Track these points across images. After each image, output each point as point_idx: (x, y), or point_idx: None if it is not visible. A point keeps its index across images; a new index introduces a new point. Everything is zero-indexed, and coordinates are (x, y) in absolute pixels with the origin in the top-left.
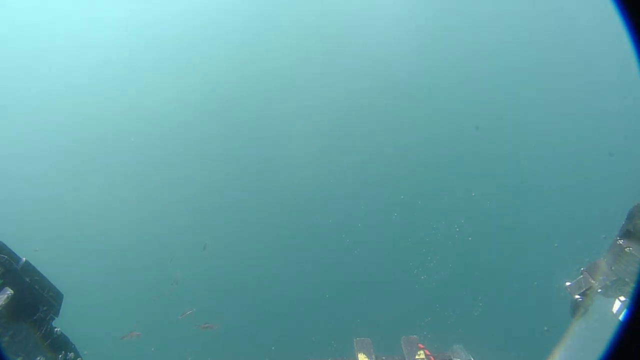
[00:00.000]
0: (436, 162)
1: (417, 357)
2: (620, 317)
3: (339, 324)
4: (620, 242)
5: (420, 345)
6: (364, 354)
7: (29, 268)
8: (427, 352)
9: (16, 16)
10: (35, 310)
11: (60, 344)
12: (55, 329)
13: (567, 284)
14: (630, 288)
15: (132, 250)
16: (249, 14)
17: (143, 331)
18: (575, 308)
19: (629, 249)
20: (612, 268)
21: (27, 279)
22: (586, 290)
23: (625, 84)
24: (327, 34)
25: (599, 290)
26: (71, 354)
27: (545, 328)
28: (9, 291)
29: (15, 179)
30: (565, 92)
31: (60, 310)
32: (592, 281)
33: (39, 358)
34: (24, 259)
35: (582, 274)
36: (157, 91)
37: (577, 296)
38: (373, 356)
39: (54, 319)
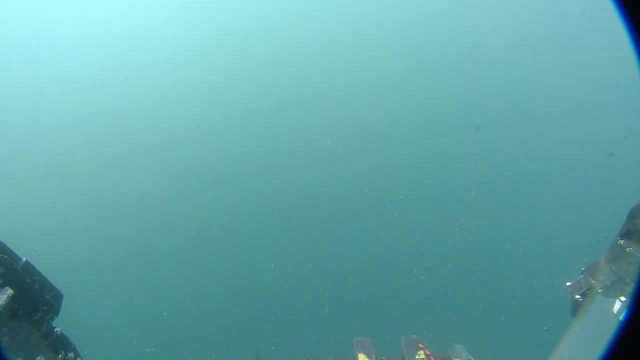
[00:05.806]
0: (436, 162)
1: (417, 357)
2: (621, 318)
3: (339, 324)
4: (621, 242)
5: (420, 345)
6: (364, 354)
7: (29, 268)
8: (427, 352)
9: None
10: (35, 310)
11: (60, 343)
12: (55, 329)
13: (568, 284)
14: (630, 288)
15: (132, 250)
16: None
17: (143, 331)
18: (576, 308)
19: (629, 249)
20: (613, 268)
21: (28, 279)
22: (586, 290)
23: (625, 84)
24: (329, 34)
25: (600, 291)
26: (71, 354)
27: (545, 328)
28: (9, 291)
29: (15, 179)
30: (565, 91)
31: (60, 310)
32: (593, 281)
33: (39, 358)
34: (24, 259)
35: (582, 274)
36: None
37: (577, 296)
38: (373, 356)
39: (54, 318)
